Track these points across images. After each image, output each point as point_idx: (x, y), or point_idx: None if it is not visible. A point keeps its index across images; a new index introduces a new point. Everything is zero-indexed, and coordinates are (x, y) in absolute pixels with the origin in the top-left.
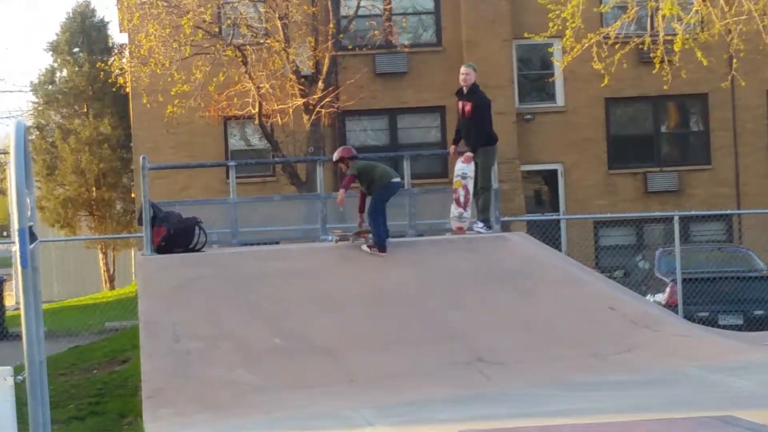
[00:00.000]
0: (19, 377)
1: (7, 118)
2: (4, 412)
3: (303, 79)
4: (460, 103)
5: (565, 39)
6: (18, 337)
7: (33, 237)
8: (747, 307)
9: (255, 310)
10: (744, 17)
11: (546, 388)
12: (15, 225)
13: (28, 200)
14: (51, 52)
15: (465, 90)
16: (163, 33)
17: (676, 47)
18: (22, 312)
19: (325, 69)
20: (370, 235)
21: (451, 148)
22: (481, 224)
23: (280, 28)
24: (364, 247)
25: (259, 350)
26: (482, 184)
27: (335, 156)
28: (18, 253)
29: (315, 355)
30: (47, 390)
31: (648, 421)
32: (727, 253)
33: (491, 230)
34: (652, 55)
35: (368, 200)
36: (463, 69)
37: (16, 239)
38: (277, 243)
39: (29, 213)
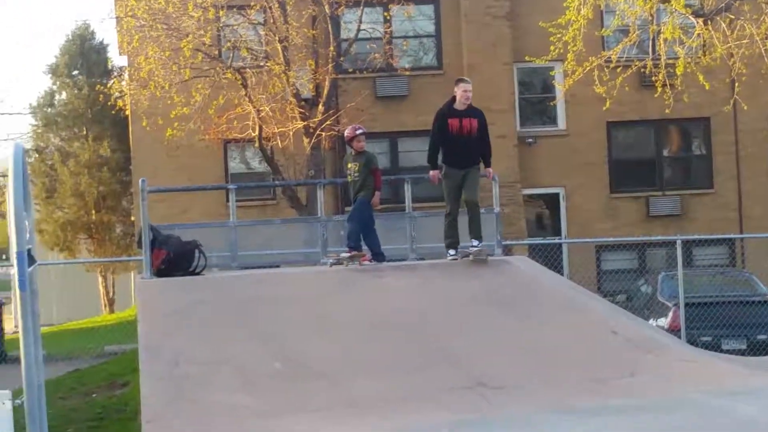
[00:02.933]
0: (18, 401)
1: (6, 140)
2: None
3: (303, 102)
4: (460, 120)
5: (566, 62)
6: (17, 360)
7: (32, 260)
8: (750, 332)
9: (255, 334)
10: (746, 41)
11: (548, 412)
12: (14, 248)
13: (27, 223)
14: (50, 75)
15: (466, 107)
16: (163, 56)
17: (678, 71)
18: (20, 335)
19: (325, 92)
20: (367, 261)
21: (433, 174)
22: (475, 242)
23: (281, 50)
24: (364, 262)
25: (259, 374)
26: (475, 199)
27: (360, 131)
28: (17, 276)
29: (315, 380)
30: (46, 414)
31: None
32: (729, 277)
33: (481, 244)
34: (654, 78)
35: (359, 203)
36: (467, 86)
37: (15, 262)
38: (277, 266)
39: (28, 236)
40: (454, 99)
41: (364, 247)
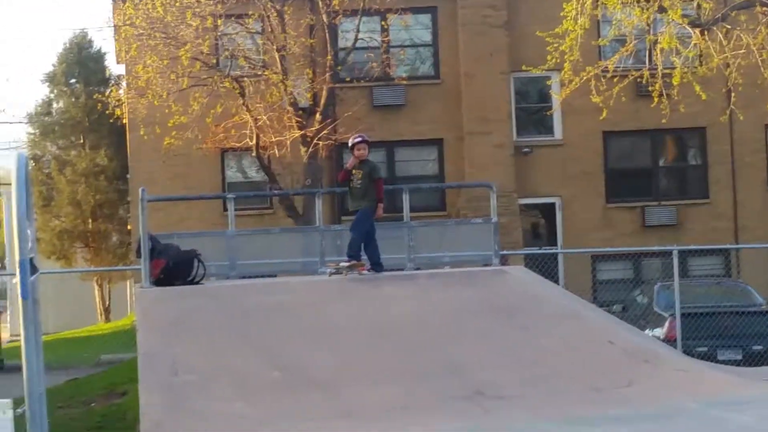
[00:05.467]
0: (19, 410)
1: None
2: None
3: (301, 111)
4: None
5: (563, 72)
6: (14, 369)
7: (34, 268)
8: (746, 342)
9: (254, 343)
10: (742, 51)
11: (546, 422)
12: (16, 256)
13: (29, 231)
14: (47, 83)
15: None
16: (161, 64)
17: (675, 81)
18: (22, 344)
19: (322, 101)
20: (365, 270)
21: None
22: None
23: (278, 60)
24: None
25: (257, 383)
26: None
27: (360, 138)
28: (19, 285)
29: (314, 389)
30: (47, 423)
31: None
32: (725, 287)
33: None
34: (650, 88)
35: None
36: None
37: (17, 270)
38: (274, 276)
39: (30, 244)
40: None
41: (363, 257)
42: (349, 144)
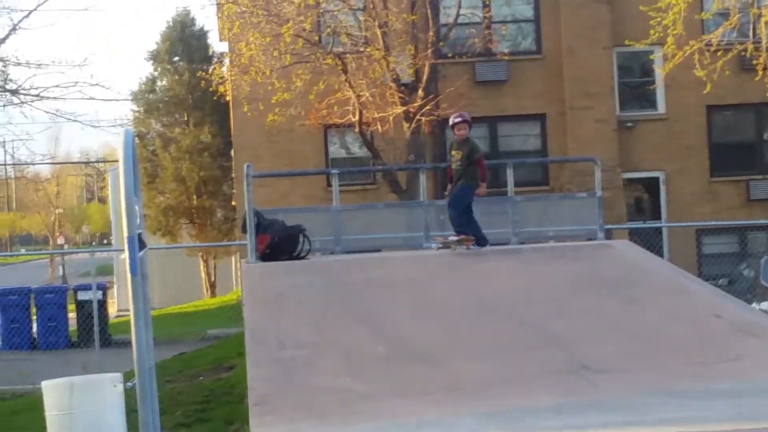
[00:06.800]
0: (129, 383)
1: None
2: (114, 418)
3: (403, 87)
4: None
5: (666, 46)
6: (121, 344)
7: (142, 244)
8: None
9: (358, 318)
10: None
11: (652, 396)
12: (124, 232)
13: (137, 208)
14: (151, 61)
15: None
16: (264, 42)
17: None
18: (132, 319)
19: (425, 77)
20: (472, 245)
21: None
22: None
23: (380, 36)
24: (464, 248)
25: (363, 358)
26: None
27: (460, 118)
28: (128, 260)
29: (418, 363)
30: (156, 397)
31: (758, 430)
32: None
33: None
34: (754, 62)
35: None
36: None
37: (126, 246)
38: (379, 251)
39: (138, 221)
40: None
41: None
42: (450, 123)
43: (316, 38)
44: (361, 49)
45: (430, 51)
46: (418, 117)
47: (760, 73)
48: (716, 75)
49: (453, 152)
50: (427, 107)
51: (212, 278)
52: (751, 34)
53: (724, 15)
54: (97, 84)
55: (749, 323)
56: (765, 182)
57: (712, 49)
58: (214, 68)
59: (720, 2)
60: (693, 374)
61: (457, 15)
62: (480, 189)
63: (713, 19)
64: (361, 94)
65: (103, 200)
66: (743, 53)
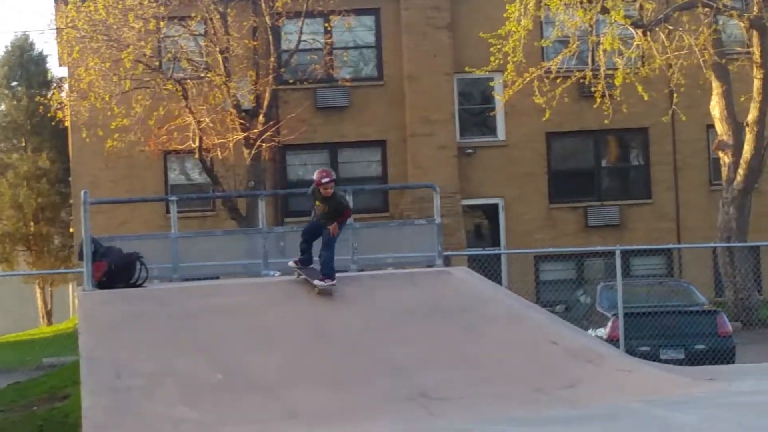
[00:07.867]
0: None
1: None
2: None
3: (244, 113)
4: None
5: (506, 73)
6: None
7: None
8: (688, 342)
9: (196, 346)
10: (684, 52)
11: (490, 423)
12: None
13: None
14: None
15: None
16: (103, 67)
17: (617, 82)
18: None
19: (265, 103)
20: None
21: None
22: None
23: (221, 61)
24: (317, 282)
25: (200, 386)
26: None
27: (328, 178)
28: None
29: (257, 391)
30: None
31: None
32: (668, 287)
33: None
34: (593, 89)
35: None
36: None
37: None
38: (217, 278)
39: None
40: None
41: (315, 258)
42: (315, 181)
43: (157, 64)
44: (202, 75)
45: (271, 77)
46: (258, 143)
47: (599, 100)
48: (555, 102)
49: (317, 203)
50: (268, 133)
51: (49, 306)
52: (590, 61)
53: (564, 42)
54: None
55: (585, 349)
56: (603, 209)
57: (552, 76)
58: (53, 93)
59: (559, 30)
60: (529, 401)
61: (299, 41)
62: (332, 227)
63: (553, 47)
64: (202, 120)
65: None
66: (582, 80)
